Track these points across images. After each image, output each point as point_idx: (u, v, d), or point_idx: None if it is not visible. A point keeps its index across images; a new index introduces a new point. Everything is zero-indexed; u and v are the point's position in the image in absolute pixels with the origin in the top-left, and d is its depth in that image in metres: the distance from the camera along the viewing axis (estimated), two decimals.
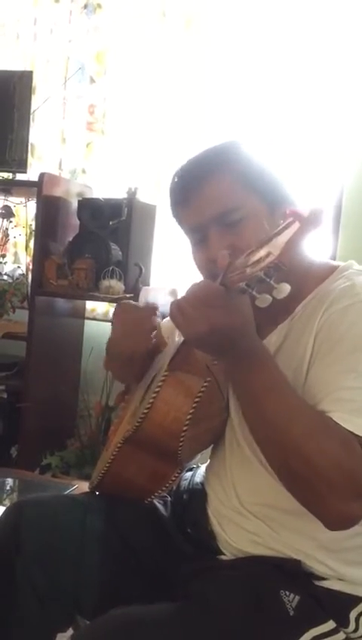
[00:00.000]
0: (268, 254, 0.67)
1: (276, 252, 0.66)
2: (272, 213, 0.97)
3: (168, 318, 0.99)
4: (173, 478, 1.08)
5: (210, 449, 1.15)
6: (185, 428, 0.97)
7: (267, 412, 0.86)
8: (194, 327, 0.81)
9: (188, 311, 0.81)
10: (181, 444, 0.98)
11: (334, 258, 2.23)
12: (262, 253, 0.69)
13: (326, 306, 0.95)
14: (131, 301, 1.20)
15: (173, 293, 2.33)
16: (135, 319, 1.13)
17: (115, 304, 2.45)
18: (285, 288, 0.68)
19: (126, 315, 1.15)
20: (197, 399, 0.97)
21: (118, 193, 2.41)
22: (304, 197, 1.03)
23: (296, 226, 0.67)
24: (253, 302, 0.72)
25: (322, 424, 0.84)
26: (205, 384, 0.97)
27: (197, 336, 0.82)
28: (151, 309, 1.13)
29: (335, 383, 0.87)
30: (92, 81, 2.66)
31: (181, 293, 0.87)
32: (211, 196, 0.98)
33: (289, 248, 0.66)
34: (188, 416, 0.97)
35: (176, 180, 1.04)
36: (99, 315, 2.65)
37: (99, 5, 2.63)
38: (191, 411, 0.97)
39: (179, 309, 0.83)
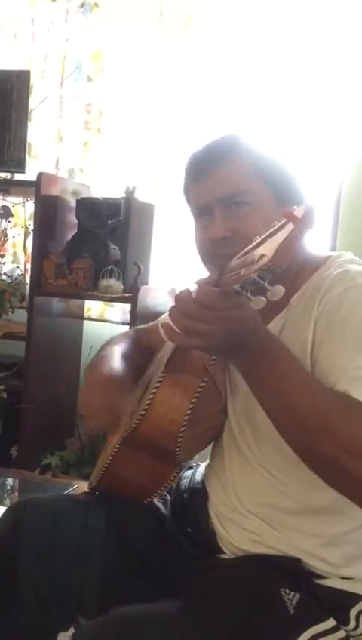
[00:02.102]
0: (261, 256, 0.67)
1: (269, 254, 0.66)
2: (279, 207, 0.98)
3: (166, 315, 0.99)
4: (172, 478, 1.07)
5: (210, 447, 1.15)
6: (182, 429, 0.96)
7: (289, 399, 0.85)
8: (209, 338, 0.80)
9: (199, 326, 0.80)
10: (179, 444, 0.98)
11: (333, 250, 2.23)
12: (255, 255, 0.69)
13: (323, 292, 0.96)
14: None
15: (173, 292, 2.33)
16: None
17: (111, 304, 2.46)
18: (279, 291, 0.68)
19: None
20: (194, 400, 0.96)
21: (116, 192, 2.40)
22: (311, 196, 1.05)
23: (290, 227, 0.67)
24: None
25: (344, 402, 0.85)
26: (202, 384, 0.97)
27: (213, 347, 0.82)
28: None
29: (347, 364, 0.88)
30: (89, 80, 2.66)
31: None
32: (223, 177, 1.01)
33: (283, 250, 0.66)
34: (186, 417, 0.96)
35: (192, 158, 1.07)
36: (94, 315, 2.65)
37: (95, 4, 2.63)
38: (188, 412, 0.96)
39: (191, 331, 0.80)
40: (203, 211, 1.04)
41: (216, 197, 1.00)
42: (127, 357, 1.22)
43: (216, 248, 1.00)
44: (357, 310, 0.91)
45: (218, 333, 0.80)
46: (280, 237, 0.67)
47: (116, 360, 1.20)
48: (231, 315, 0.79)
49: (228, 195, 1.00)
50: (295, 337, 0.97)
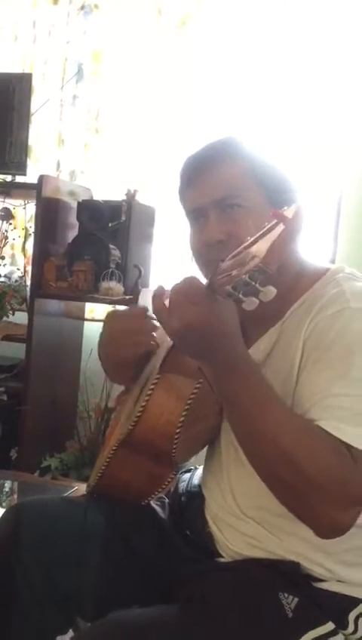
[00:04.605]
0: (252, 257, 0.67)
1: (260, 255, 0.66)
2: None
3: None
4: (169, 480, 1.07)
5: (207, 450, 1.15)
6: (178, 430, 0.97)
7: (253, 423, 0.85)
8: (171, 320, 0.81)
9: (171, 305, 0.81)
10: (175, 446, 0.98)
11: (333, 260, 2.23)
12: (246, 256, 0.69)
13: (315, 311, 0.94)
14: (120, 308, 1.20)
15: (158, 291, 2.33)
16: (122, 326, 1.12)
17: (111, 306, 2.46)
18: (271, 291, 0.67)
19: (113, 322, 1.14)
20: (189, 401, 0.96)
21: (117, 195, 2.41)
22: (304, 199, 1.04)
23: (280, 228, 0.67)
24: (240, 306, 0.71)
25: (311, 433, 0.84)
26: (197, 386, 0.97)
27: (172, 330, 0.82)
28: (140, 313, 1.12)
29: (324, 390, 0.87)
30: (89, 82, 2.66)
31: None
32: (217, 180, 1.00)
33: (274, 250, 0.66)
34: (181, 419, 0.96)
35: (186, 162, 1.06)
36: (97, 317, 2.65)
37: (95, 6, 2.63)
38: (183, 413, 0.96)
39: (162, 302, 0.83)
40: (198, 214, 1.03)
41: (211, 199, 1.00)
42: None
43: (211, 253, 0.98)
44: (344, 335, 0.89)
45: (175, 321, 0.80)
46: (271, 237, 0.67)
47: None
48: (197, 310, 0.79)
49: (222, 197, 0.99)
50: (286, 352, 0.97)
